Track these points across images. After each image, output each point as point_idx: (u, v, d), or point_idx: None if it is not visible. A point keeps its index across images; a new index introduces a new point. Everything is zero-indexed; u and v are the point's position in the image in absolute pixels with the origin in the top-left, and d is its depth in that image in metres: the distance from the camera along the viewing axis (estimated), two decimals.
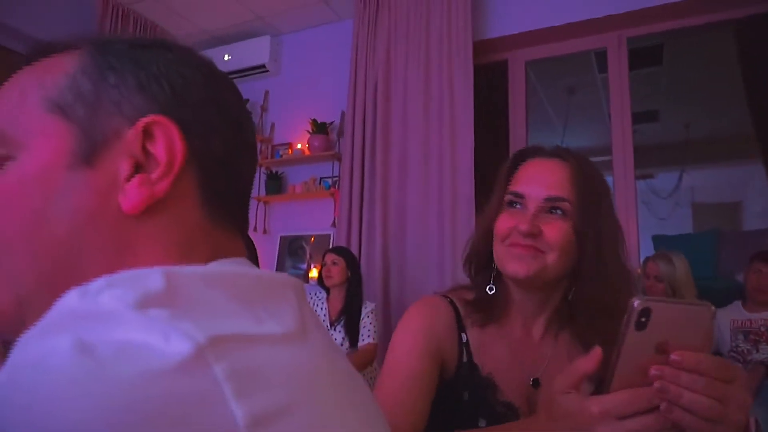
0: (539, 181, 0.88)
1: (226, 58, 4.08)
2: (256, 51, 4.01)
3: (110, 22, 3.69)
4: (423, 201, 3.20)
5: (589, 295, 0.86)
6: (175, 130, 0.42)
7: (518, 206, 0.89)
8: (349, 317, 2.78)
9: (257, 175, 3.91)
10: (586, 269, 0.86)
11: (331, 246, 3.50)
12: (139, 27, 3.87)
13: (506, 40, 3.32)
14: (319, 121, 3.69)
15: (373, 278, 3.16)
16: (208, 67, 0.48)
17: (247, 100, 4.06)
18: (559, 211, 0.86)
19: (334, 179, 3.65)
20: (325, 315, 2.85)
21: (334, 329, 2.80)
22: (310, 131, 3.70)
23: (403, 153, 3.31)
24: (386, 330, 3.09)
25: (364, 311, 2.81)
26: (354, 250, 3.25)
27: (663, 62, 4.36)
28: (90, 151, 0.41)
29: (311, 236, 3.72)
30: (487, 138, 3.28)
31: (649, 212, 6.51)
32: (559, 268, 0.86)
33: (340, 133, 3.66)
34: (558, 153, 0.91)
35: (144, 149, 0.41)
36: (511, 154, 1.01)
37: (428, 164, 3.22)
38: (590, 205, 0.86)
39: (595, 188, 0.88)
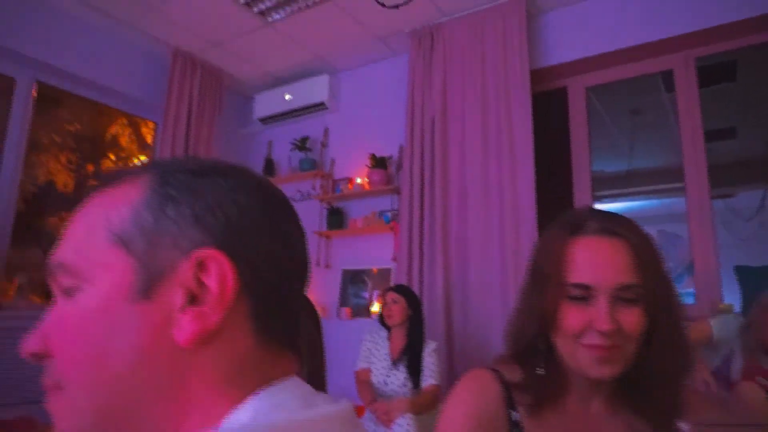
0: (605, 268, 0.81)
1: (287, 98, 4.24)
2: (315, 89, 4.14)
3: (180, 72, 3.94)
4: (484, 234, 3.14)
5: (654, 370, 0.82)
6: (228, 263, 0.43)
7: (586, 299, 0.82)
8: (411, 357, 2.74)
9: (319, 209, 4.01)
10: (655, 347, 0.81)
11: (392, 280, 3.49)
12: (207, 74, 4.10)
13: (564, 67, 3.25)
14: (377, 156, 3.74)
15: (435, 312, 3.12)
16: (263, 191, 0.49)
17: (307, 137, 4.18)
18: (631, 298, 0.80)
19: (394, 213, 3.67)
20: (386, 354, 2.83)
21: (397, 369, 2.76)
22: (370, 165, 3.75)
23: (462, 185, 3.29)
24: (450, 369, 3.02)
25: (426, 350, 2.76)
26: (415, 284, 3.23)
27: (737, 78, 4.12)
28: (147, 285, 0.42)
29: (373, 269, 3.74)
30: (548, 166, 3.20)
31: (729, 234, 6.09)
32: (634, 354, 0.82)
33: (399, 167, 3.69)
34: (615, 230, 0.84)
35: (197, 280, 0.42)
36: (565, 215, 0.92)
37: (488, 196, 3.17)
38: (659, 283, 0.82)
39: (658, 263, 0.84)
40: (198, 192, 0.45)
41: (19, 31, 3.28)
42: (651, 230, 0.87)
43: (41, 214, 5.67)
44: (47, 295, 3.69)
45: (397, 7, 3.26)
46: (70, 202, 6.68)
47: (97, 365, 0.41)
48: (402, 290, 2.91)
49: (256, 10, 3.43)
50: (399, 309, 2.80)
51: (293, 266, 0.49)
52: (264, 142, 4.56)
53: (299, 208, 4.22)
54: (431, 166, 3.40)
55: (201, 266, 0.42)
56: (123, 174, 0.47)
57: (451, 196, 3.31)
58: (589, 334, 0.80)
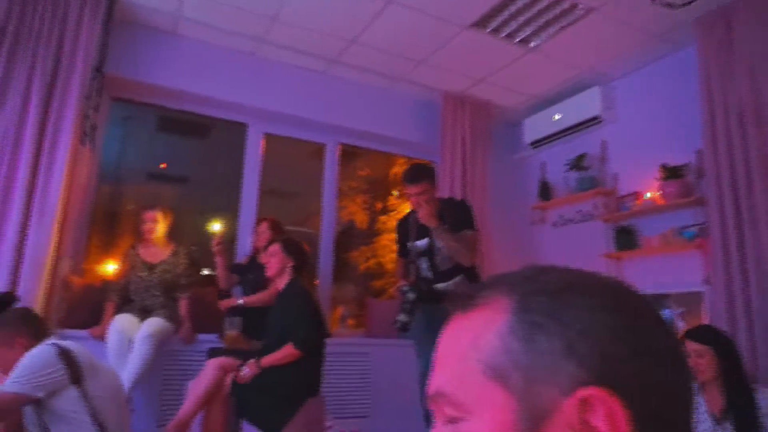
0: None
1: (556, 118, 4.12)
2: (586, 104, 3.92)
3: (451, 112, 4.20)
4: None
5: None
6: (615, 401, 0.40)
7: None
8: (738, 413, 2.21)
9: (603, 230, 3.74)
10: None
11: (703, 306, 2.99)
12: (475, 109, 4.28)
13: None
14: (669, 165, 3.31)
15: None
16: (630, 303, 0.45)
17: (584, 154, 3.97)
18: None
19: (699, 227, 3.17)
20: (704, 413, 2.35)
21: (722, 427, 2.29)
22: (661, 177, 3.34)
23: None
24: None
25: (762, 399, 2.20)
26: (738, 309, 2.71)
27: None
28: (531, 425, 0.41)
29: (672, 294, 3.28)
30: None
31: None
32: None
33: (700, 175, 3.19)
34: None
35: (583, 422, 0.40)
36: None
37: None
38: None
39: None
40: (562, 318, 0.43)
41: (325, 106, 3.97)
42: None
43: (347, 250, 6.65)
44: (357, 325, 4.29)
45: (687, 4, 2.88)
46: (366, 236, 7.70)
47: None
48: (704, 338, 2.25)
49: (516, 40, 3.45)
50: (706, 363, 2.20)
51: (679, 381, 0.44)
52: (536, 165, 4.50)
53: (580, 230, 4.04)
54: (745, 168, 2.84)
55: (585, 405, 0.40)
56: (478, 297, 0.48)
57: None
58: None
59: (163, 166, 6.15)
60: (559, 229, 4.24)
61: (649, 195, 3.48)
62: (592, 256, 3.73)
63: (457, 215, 2.78)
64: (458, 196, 4.08)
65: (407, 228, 2.96)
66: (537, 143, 4.36)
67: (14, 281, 2.72)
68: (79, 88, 2.95)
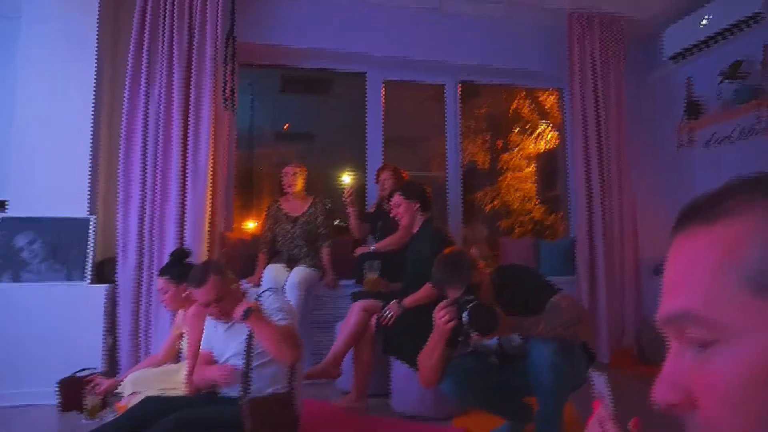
0: None
1: (704, 23, 3.61)
2: (742, 0, 3.37)
3: (578, 33, 3.86)
4: None
5: None
6: None
7: None
8: None
9: None
10: None
11: None
12: (605, 27, 3.90)
13: None
14: None
15: None
16: None
17: (740, 61, 3.45)
18: None
19: None
20: None
21: None
22: None
23: None
24: None
25: None
26: None
27: None
28: None
29: None
30: None
31: None
32: None
33: None
34: None
35: None
36: None
37: None
38: None
39: None
40: None
41: (441, 44, 3.86)
42: None
43: (471, 192, 6.58)
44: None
45: None
46: (489, 176, 7.54)
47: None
48: None
49: None
50: None
51: None
52: (680, 81, 4.02)
53: (740, 148, 3.56)
54: None
55: None
56: (725, 204, 0.41)
57: None
58: None
59: (286, 127, 6.47)
60: (713, 149, 3.78)
61: None
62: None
63: None
64: (592, 127, 3.80)
65: None
66: (680, 56, 3.87)
67: (181, 238, 3.07)
68: (212, 55, 3.17)
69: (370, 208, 3.60)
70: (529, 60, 4.07)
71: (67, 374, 2.62)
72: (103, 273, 3.09)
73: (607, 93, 3.86)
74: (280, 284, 3.09)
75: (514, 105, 7.45)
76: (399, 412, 2.63)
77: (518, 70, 4.10)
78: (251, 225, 4.51)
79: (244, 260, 3.35)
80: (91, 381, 2.53)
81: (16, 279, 2.88)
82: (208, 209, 3.14)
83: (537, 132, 7.26)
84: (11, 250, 2.91)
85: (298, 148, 6.04)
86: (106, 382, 2.36)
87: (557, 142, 5.75)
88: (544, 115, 7.04)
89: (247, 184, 5.17)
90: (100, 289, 2.96)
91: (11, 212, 2.99)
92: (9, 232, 2.92)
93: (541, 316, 1.92)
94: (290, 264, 3.24)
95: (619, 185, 3.86)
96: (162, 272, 2.41)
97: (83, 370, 2.66)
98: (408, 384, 2.60)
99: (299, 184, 3.37)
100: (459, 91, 4.09)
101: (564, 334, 1.88)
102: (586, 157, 3.82)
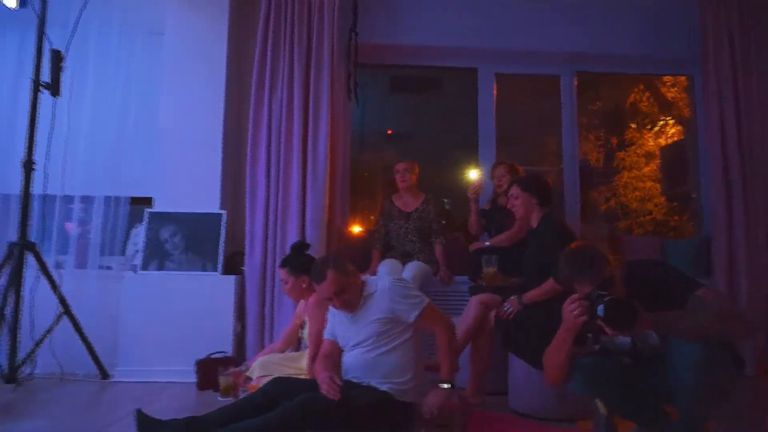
0: None
1: None
2: None
3: (713, 11, 3.53)
4: None
5: None
6: None
7: None
8: None
9: None
10: None
11: None
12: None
13: None
14: None
15: None
16: None
17: None
18: None
19: None
20: None
21: None
22: None
23: None
24: None
25: None
26: None
27: None
28: None
29: None
30: None
31: None
32: None
33: None
34: None
35: None
36: None
37: None
38: None
39: None
40: None
41: (554, 33, 3.73)
42: None
43: (584, 191, 6.26)
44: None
45: None
46: (603, 175, 7.13)
47: None
48: None
49: None
50: None
51: None
52: None
53: None
54: None
55: None
56: None
57: None
58: None
59: (389, 132, 6.57)
60: None
61: None
62: None
63: None
64: (729, 113, 3.46)
65: None
66: None
67: (302, 232, 3.24)
68: (329, 51, 3.35)
69: (485, 204, 3.56)
70: (654, 45, 3.80)
71: (203, 356, 2.86)
72: (233, 264, 3.33)
73: (750, 77, 3.48)
74: None
75: (631, 99, 6.98)
76: (516, 410, 2.55)
77: (641, 56, 3.84)
78: (356, 229, 4.60)
79: (360, 255, 3.43)
80: (223, 362, 2.75)
81: (161, 268, 3.20)
82: (327, 202, 3.29)
83: (657, 126, 6.77)
84: (157, 241, 3.24)
85: (403, 147, 6.10)
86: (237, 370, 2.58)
87: (682, 136, 5.31)
88: (666, 106, 6.53)
89: (359, 184, 5.31)
90: (231, 280, 3.19)
91: (157, 208, 3.33)
92: (155, 225, 3.26)
93: (684, 311, 1.76)
94: (404, 259, 3.28)
95: (764, 179, 3.47)
96: (283, 263, 2.56)
97: (217, 352, 2.89)
98: (527, 382, 2.51)
99: (411, 180, 3.41)
100: (575, 82, 3.91)
101: (712, 331, 1.71)
102: (723, 150, 3.48)
